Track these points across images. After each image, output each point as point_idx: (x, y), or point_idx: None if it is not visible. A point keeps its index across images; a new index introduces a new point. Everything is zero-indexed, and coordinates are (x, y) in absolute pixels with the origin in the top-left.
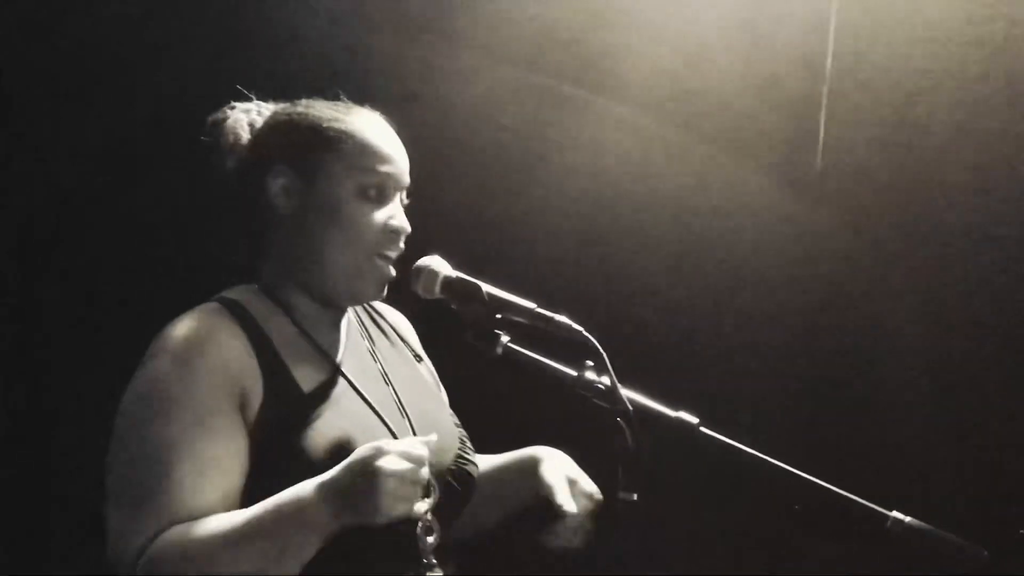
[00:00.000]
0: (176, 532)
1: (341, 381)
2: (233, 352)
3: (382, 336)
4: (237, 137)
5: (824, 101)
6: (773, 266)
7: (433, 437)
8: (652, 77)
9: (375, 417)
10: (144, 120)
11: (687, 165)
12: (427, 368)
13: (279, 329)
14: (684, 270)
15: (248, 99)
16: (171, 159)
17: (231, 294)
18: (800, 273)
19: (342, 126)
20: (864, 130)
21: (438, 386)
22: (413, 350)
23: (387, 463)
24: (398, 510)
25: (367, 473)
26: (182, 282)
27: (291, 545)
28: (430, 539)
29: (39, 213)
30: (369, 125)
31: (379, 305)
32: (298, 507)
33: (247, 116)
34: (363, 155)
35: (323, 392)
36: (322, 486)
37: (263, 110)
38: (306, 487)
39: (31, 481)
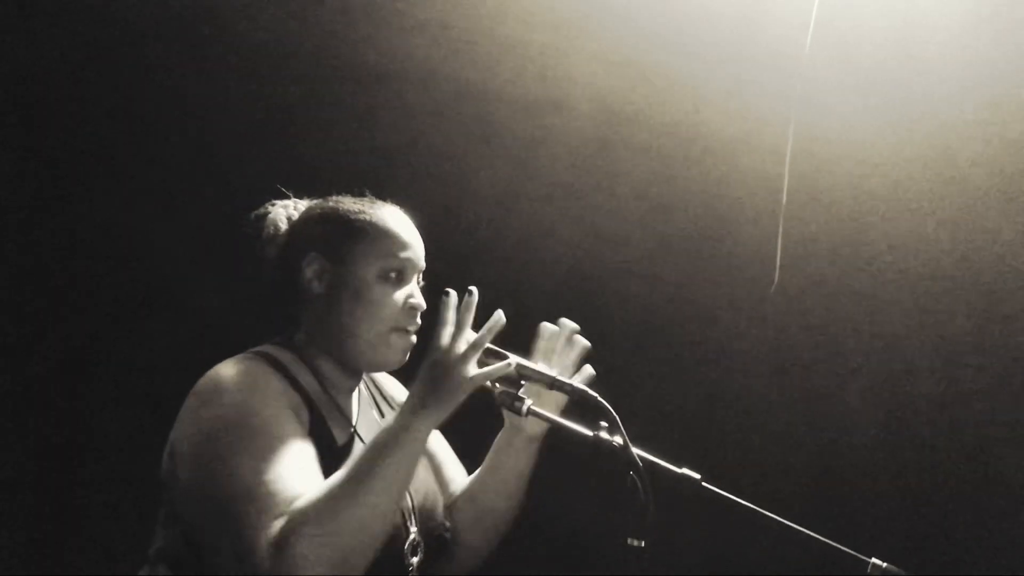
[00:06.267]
0: (301, 500)
1: (357, 442)
2: (281, 387)
3: (386, 405)
4: (277, 229)
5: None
6: None
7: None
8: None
9: None
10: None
11: None
12: None
13: (309, 385)
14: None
15: (286, 196)
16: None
17: (264, 349)
18: None
19: (367, 218)
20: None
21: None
22: None
23: (450, 345)
24: (479, 373)
25: (435, 364)
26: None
27: (404, 459)
28: None
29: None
30: (390, 216)
31: (379, 377)
32: (396, 429)
33: (285, 211)
34: (385, 243)
35: (345, 449)
36: (407, 404)
37: (299, 205)
38: (392, 417)
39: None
